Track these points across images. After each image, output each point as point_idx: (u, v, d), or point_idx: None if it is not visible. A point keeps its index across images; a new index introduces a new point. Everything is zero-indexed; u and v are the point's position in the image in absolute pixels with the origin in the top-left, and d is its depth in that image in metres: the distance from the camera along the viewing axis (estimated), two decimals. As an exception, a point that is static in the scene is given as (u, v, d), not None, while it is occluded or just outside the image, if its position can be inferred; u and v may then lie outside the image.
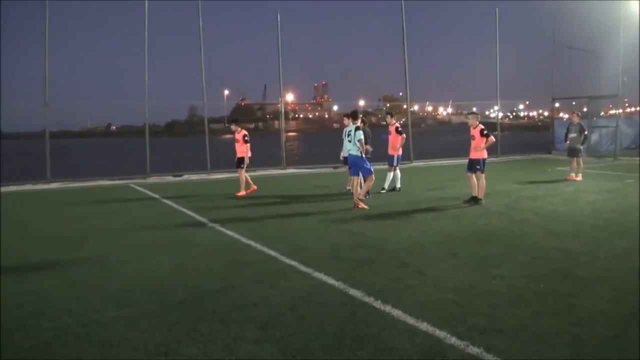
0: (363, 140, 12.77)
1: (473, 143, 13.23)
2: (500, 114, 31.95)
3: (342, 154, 15.98)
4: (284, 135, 26.51)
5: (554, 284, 6.72)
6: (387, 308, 5.94)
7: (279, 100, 27.27)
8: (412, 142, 25.44)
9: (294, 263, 8.03)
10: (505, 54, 29.61)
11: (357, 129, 12.83)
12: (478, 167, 13.08)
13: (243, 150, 16.14)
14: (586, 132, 18.15)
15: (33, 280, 7.60)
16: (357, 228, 10.59)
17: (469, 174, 13.32)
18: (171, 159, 27.86)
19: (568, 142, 18.25)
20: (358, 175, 12.99)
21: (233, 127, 16.52)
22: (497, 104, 30.65)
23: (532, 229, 10.10)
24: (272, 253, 8.71)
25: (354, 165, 12.93)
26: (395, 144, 15.36)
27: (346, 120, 16.01)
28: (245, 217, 12.19)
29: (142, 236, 10.49)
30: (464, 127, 13.73)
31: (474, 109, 14.61)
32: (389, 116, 15.98)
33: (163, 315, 5.97)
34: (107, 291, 6.98)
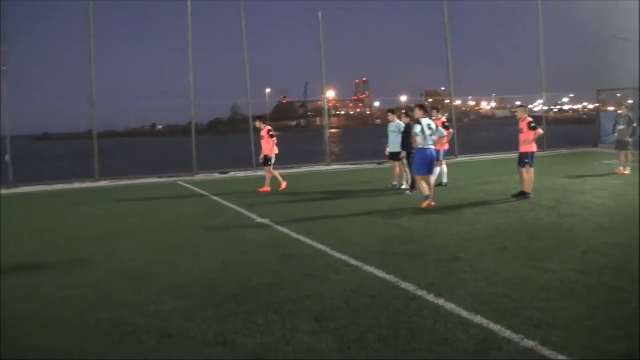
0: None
1: (521, 136, 13.06)
2: (545, 108, 31.47)
3: (388, 150, 16.00)
4: (327, 132, 26.57)
5: (605, 278, 6.65)
6: (441, 301, 5.97)
7: (320, 98, 27.34)
8: (456, 136, 25.26)
9: (344, 257, 8.09)
10: (549, 45, 29.12)
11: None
12: (527, 160, 12.88)
13: (269, 146, 16.31)
14: (635, 125, 17.76)
15: (87, 274, 7.87)
16: (405, 223, 10.60)
17: (521, 169, 13.16)
18: (216, 156, 28.19)
19: (616, 134, 17.92)
20: (431, 174, 12.67)
21: (257, 124, 16.73)
22: (541, 98, 30.23)
23: (582, 223, 9.98)
24: (322, 247, 8.80)
25: (434, 161, 12.59)
26: (442, 139, 15.31)
27: (390, 116, 16.00)
28: (293, 213, 12.32)
29: (193, 232, 10.69)
30: (508, 121, 13.66)
31: (518, 103, 14.44)
32: (434, 111, 15.88)
33: (219, 308, 6.10)
34: (161, 284, 7.16)
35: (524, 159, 12.94)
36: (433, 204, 12.16)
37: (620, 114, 18.04)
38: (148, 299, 6.57)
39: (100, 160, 22.26)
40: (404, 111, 15.89)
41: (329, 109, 28.18)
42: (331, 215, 11.79)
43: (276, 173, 16.54)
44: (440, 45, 27.26)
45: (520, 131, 13.08)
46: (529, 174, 12.91)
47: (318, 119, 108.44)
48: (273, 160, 16.36)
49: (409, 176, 14.82)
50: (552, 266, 7.23)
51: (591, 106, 41.02)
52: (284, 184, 16.29)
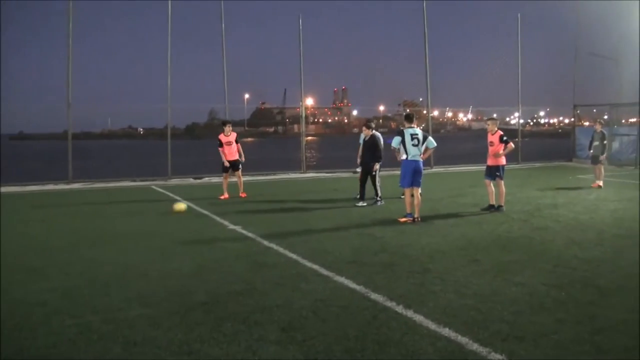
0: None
1: (491, 149, 13.16)
2: (521, 121, 31.72)
3: (359, 160, 15.91)
4: (304, 139, 26.55)
5: (575, 292, 6.70)
6: (409, 313, 5.97)
7: (298, 105, 27.21)
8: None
9: (315, 266, 8.07)
10: (527, 60, 29.40)
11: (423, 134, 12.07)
12: (497, 173, 13.05)
13: (235, 152, 16.30)
14: (605, 142, 18.19)
15: (56, 279, 7.72)
16: (378, 233, 10.61)
17: (487, 181, 13.26)
18: (192, 161, 27.99)
19: (592, 150, 18.36)
20: (419, 185, 12.14)
21: (230, 128, 16.47)
22: (518, 111, 30.43)
23: (554, 237, 10.06)
24: (293, 256, 8.76)
25: (419, 173, 12.05)
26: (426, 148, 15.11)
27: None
28: (266, 220, 12.27)
29: (164, 238, 10.56)
30: (484, 133, 13.68)
31: (495, 115, 14.48)
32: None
33: (186, 316, 6.04)
34: (130, 291, 7.06)
35: (495, 172, 13.08)
36: (411, 220, 11.80)
37: (595, 130, 18.41)
38: (116, 305, 6.48)
39: (74, 161, 21.99)
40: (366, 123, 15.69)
41: (306, 117, 28.17)
42: (304, 224, 11.75)
43: (227, 181, 16.54)
44: (419, 56, 27.40)
45: (491, 144, 13.20)
46: (500, 186, 13.00)
47: (296, 126, 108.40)
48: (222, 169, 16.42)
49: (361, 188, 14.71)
50: (522, 279, 7.27)
51: (567, 120, 41.43)
52: (226, 195, 16.25)
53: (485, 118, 13.95)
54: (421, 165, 12.10)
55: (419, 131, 12.03)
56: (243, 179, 16.94)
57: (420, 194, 14.78)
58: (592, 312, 5.99)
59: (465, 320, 5.73)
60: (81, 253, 9.35)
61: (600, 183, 17.68)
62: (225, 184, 16.39)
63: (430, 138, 12.20)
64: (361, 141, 15.49)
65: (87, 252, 9.40)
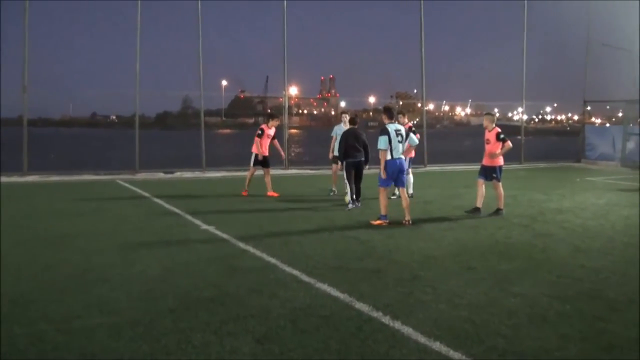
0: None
1: (488, 148, 13.03)
2: (525, 117, 31.87)
3: (331, 153, 16.04)
4: (287, 133, 26.48)
5: (581, 305, 6.72)
6: (397, 324, 5.97)
7: (281, 94, 27.12)
8: (426, 144, 25.37)
9: (295, 272, 8.06)
10: (533, 51, 29.45)
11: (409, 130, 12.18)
12: (494, 175, 12.95)
13: (267, 148, 16.65)
14: None
15: (6, 283, 7.58)
16: (364, 236, 10.61)
17: (480, 181, 13.17)
18: (162, 153, 27.91)
19: None
20: (403, 185, 12.17)
21: (278, 123, 17.11)
22: (521, 106, 30.52)
23: (558, 244, 10.09)
24: (272, 260, 8.74)
25: (403, 172, 12.01)
26: (408, 146, 15.22)
27: (345, 119, 15.71)
28: (243, 221, 12.25)
29: (129, 238, 10.50)
30: (484, 130, 13.63)
31: (496, 110, 14.48)
32: (400, 115, 15.81)
33: (151, 324, 5.99)
34: (89, 296, 7.00)
35: (492, 173, 13.01)
36: (387, 223, 11.79)
37: None
38: (72, 312, 6.40)
39: (30, 151, 21.78)
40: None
41: (290, 107, 28.15)
42: (285, 225, 11.75)
43: (249, 176, 16.64)
44: (414, 45, 27.42)
45: (487, 142, 13.07)
46: (497, 189, 12.96)
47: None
48: (251, 161, 16.53)
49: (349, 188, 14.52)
50: (522, 290, 7.28)
51: (577, 117, 41.65)
52: (245, 192, 16.40)
53: (484, 113, 13.86)
54: (404, 163, 12.15)
55: (400, 126, 12.12)
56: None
57: (412, 195, 14.83)
58: (599, 327, 6.01)
59: (458, 333, 5.74)
60: (34, 254, 9.24)
61: None
62: (249, 178, 16.57)
63: (411, 134, 12.25)
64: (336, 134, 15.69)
65: (42, 254, 9.29)
